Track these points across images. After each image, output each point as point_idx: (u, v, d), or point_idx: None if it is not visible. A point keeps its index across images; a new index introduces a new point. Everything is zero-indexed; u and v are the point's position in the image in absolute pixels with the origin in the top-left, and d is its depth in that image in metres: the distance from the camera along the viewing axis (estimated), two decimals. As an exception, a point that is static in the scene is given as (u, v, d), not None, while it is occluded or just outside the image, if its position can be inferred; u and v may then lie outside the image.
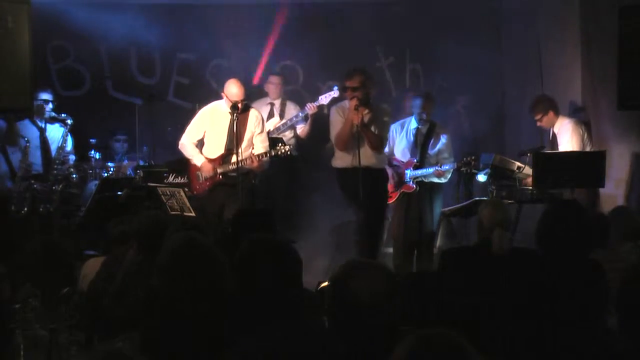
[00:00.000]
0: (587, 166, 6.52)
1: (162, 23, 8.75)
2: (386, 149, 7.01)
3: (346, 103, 6.67)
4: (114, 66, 8.99)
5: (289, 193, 7.78)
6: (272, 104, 8.02)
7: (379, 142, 6.65)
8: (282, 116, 7.95)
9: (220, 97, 6.91)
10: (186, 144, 6.91)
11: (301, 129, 7.76)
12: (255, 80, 8.82)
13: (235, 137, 6.59)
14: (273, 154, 6.64)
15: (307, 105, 7.69)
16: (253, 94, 8.42)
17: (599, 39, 7.32)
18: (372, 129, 6.59)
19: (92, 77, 8.98)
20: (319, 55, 8.76)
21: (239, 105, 6.62)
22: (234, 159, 6.65)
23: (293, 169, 7.78)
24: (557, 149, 7.09)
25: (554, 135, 7.21)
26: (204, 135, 6.92)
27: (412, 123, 7.05)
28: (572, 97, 7.75)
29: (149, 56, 9.04)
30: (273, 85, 8.06)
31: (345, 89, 6.57)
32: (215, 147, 6.81)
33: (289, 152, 6.63)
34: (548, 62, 8.25)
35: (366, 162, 6.48)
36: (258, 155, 6.63)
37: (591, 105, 7.53)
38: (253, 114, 6.84)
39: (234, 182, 6.63)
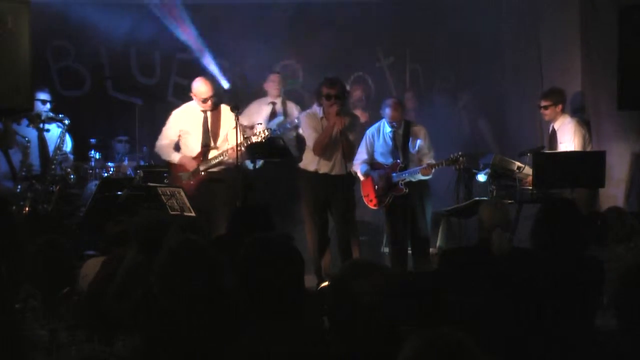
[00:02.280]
0: (587, 166, 6.52)
1: (162, 23, 8.75)
2: (365, 156, 7.07)
3: (316, 109, 6.83)
4: (114, 66, 8.99)
5: (290, 195, 7.76)
6: (273, 103, 8.03)
7: (352, 150, 6.82)
8: (285, 115, 7.94)
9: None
10: (162, 145, 7.02)
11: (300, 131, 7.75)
12: None
13: (210, 133, 6.81)
14: (254, 140, 6.65)
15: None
16: (252, 94, 8.43)
17: (599, 39, 7.32)
18: (349, 136, 6.71)
19: (92, 77, 8.98)
20: (319, 55, 8.77)
21: (210, 101, 6.80)
22: (212, 154, 6.82)
23: (294, 171, 7.77)
24: (556, 145, 7.09)
25: (554, 131, 7.20)
26: (179, 138, 6.99)
27: (386, 127, 7.07)
28: (572, 96, 7.75)
29: (149, 56, 9.04)
30: (273, 83, 8.06)
31: (321, 95, 6.69)
32: (193, 147, 6.91)
33: (267, 132, 6.66)
34: (548, 62, 8.25)
35: (339, 169, 6.71)
36: (239, 144, 6.63)
37: (591, 105, 7.53)
38: (225, 109, 6.92)
39: (217, 177, 6.80)
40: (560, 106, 7.12)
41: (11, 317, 3.08)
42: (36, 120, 7.21)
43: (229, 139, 6.87)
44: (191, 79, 8.97)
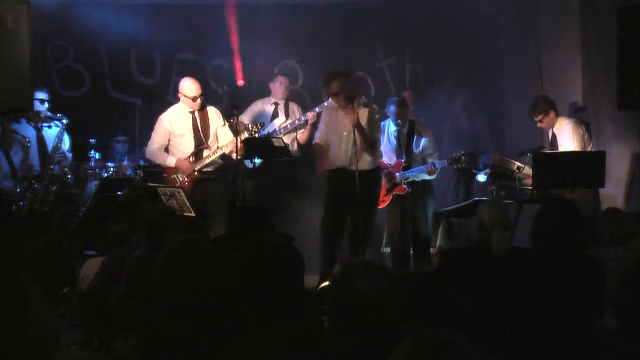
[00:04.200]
0: (587, 166, 6.52)
1: (162, 23, 8.76)
2: None
3: (331, 103, 6.76)
4: (114, 66, 8.99)
5: (289, 195, 7.77)
6: (276, 104, 8.02)
7: (373, 141, 6.66)
8: (287, 116, 7.94)
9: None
10: (154, 150, 7.06)
11: (301, 133, 7.74)
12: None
13: (201, 133, 6.87)
14: (247, 135, 6.76)
15: (307, 113, 7.70)
16: (255, 92, 8.43)
17: (599, 39, 7.32)
18: (366, 128, 6.58)
19: (92, 77, 8.98)
20: (319, 55, 8.77)
21: (199, 100, 6.85)
22: (205, 153, 6.90)
23: (294, 172, 7.77)
24: (557, 149, 7.09)
25: (554, 135, 7.21)
26: (169, 142, 7.02)
27: (391, 126, 7.07)
28: (572, 97, 7.75)
29: (149, 56, 9.04)
30: (281, 85, 8.01)
31: (329, 94, 6.64)
32: (186, 148, 6.95)
33: (261, 126, 6.80)
34: (548, 62, 8.25)
35: (361, 164, 6.51)
36: (235, 139, 6.72)
37: (591, 105, 7.53)
38: (212, 109, 7.04)
39: (211, 176, 6.89)
40: (552, 112, 7.12)
41: (11, 317, 3.08)
42: (35, 119, 7.21)
43: (218, 138, 6.95)
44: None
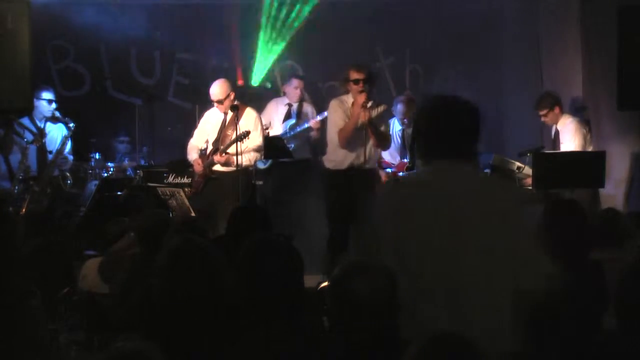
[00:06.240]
0: (587, 166, 6.52)
1: (162, 23, 8.76)
2: None
3: (346, 97, 6.38)
4: (114, 66, 8.99)
5: (302, 194, 7.72)
6: (289, 105, 8.01)
7: (386, 139, 6.49)
8: (299, 117, 7.92)
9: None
10: (189, 144, 7.04)
11: (312, 133, 7.76)
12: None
13: (222, 135, 6.78)
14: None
15: (311, 120, 7.70)
16: (256, 93, 8.43)
17: (599, 39, 7.32)
18: (379, 126, 6.35)
19: (92, 77, 8.98)
20: (319, 55, 8.77)
21: (223, 104, 6.74)
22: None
23: (308, 171, 7.71)
24: (559, 147, 7.10)
25: (557, 132, 7.21)
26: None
27: (396, 125, 7.03)
28: (572, 96, 7.75)
29: (149, 56, 9.04)
30: (296, 89, 7.94)
31: (348, 81, 6.25)
32: (209, 146, 6.97)
33: (247, 136, 6.55)
34: (548, 62, 8.25)
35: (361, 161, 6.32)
36: (224, 149, 6.69)
37: (591, 105, 7.53)
38: (250, 113, 6.85)
39: (223, 176, 6.76)
40: (557, 108, 7.13)
41: (10, 317, 3.08)
42: (39, 139, 7.16)
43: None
44: (192, 78, 9.06)
